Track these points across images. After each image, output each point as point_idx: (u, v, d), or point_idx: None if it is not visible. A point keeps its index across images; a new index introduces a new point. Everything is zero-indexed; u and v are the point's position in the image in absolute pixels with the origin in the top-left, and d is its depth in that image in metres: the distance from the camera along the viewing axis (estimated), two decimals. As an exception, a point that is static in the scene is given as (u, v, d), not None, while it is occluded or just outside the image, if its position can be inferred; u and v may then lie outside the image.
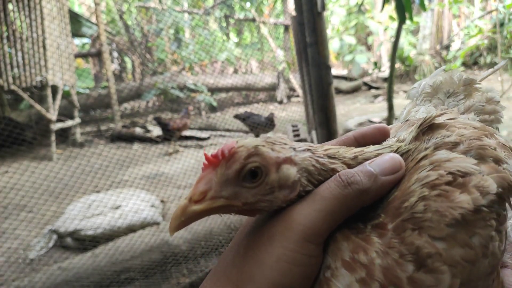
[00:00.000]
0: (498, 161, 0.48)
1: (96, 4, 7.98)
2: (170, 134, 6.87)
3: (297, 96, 10.37)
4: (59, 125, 6.73)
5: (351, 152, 0.53)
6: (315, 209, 0.47)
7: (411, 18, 3.50)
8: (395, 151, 0.53)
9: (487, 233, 0.43)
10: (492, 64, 12.87)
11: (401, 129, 0.61)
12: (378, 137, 0.59)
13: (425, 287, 0.42)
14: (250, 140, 0.50)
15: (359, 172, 0.50)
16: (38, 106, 6.27)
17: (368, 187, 0.48)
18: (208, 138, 7.71)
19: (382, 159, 0.51)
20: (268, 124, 6.71)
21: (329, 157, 0.52)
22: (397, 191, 0.48)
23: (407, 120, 0.63)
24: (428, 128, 0.53)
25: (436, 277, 0.42)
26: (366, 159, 0.52)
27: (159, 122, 7.00)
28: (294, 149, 0.51)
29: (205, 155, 0.49)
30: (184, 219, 0.48)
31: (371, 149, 0.54)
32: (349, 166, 0.51)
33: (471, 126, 0.53)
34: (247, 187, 0.48)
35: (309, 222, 0.46)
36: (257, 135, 6.22)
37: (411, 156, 0.51)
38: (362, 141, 0.59)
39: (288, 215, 0.48)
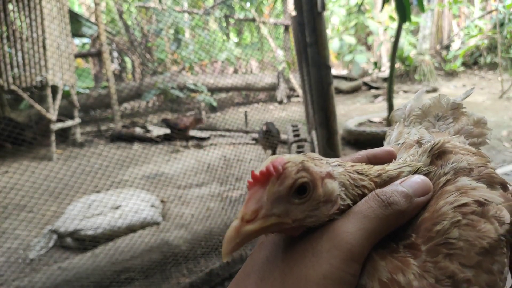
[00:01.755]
0: (505, 187, 0.52)
1: (96, 4, 7.98)
2: (180, 134, 6.91)
3: (297, 96, 10.37)
4: (59, 125, 6.73)
5: (374, 169, 0.54)
6: (360, 228, 0.48)
7: (409, 19, 3.51)
8: (416, 172, 0.55)
9: (502, 259, 0.46)
10: (492, 64, 12.87)
11: (400, 152, 0.64)
12: (387, 159, 0.61)
13: None
14: (294, 156, 0.49)
15: (395, 192, 0.51)
16: (38, 106, 6.27)
17: (406, 208, 0.50)
18: (208, 138, 7.71)
19: (413, 180, 0.52)
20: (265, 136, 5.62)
21: (358, 173, 0.53)
22: (426, 213, 0.50)
23: (403, 143, 0.66)
24: (438, 153, 0.56)
25: None
26: (389, 177, 0.53)
27: (168, 124, 7.04)
28: (330, 164, 0.52)
29: (253, 173, 0.48)
30: (239, 240, 0.46)
31: (391, 167, 0.55)
32: (376, 184, 0.52)
33: (471, 152, 0.57)
34: (296, 203, 0.48)
35: (355, 241, 0.47)
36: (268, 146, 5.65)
37: (431, 180, 0.53)
38: (374, 161, 0.61)
39: (334, 232, 0.48)
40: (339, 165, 0.52)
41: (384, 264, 0.46)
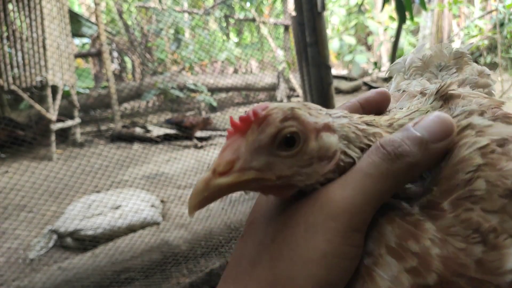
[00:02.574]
0: None
1: (96, 4, 7.98)
2: (187, 132, 6.92)
3: (297, 96, 10.37)
4: (59, 125, 6.73)
5: (383, 119, 0.46)
6: (360, 191, 0.39)
7: (411, 18, 3.51)
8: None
9: None
10: (492, 64, 12.86)
11: (403, 99, 0.55)
12: (380, 101, 0.52)
13: (493, 268, 0.37)
14: (284, 103, 0.42)
15: (406, 139, 0.40)
16: (38, 106, 6.27)
17: (419, 159, 0.40)
18: (209, 138, 7.71)
19: (430, 120, 0.41)
20: None
21: (367, 124, 0.45)
22: (444, 161, 0.41)
23: (403, 91, 0.59)
24: (445, 97, 0.48)
25: (500, 253, 0.37)
26: (401, 126, 0.44)
27: (173, 123, 7.05)
28: (330, 115, 0.44)
29: (231, 119, 0.41)
30: (208, 194, 0.39)
31: (401, 114, 0.47)
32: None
33: (483, 97, 0.49)
34: (282, 156, 0.40)
35: (355, 208, 0.39)
36: None
37: None
38: (367, 106, 0.52)
39: (328, 199, 0.40)
40: (344, 116, 0.44)
41: (391, 229, 0.39)
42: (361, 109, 0.52)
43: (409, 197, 0.41)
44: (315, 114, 0.43)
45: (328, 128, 0.42)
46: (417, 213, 0.40)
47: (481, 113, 0.44)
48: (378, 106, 0.53)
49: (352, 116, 0.45)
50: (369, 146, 0.42)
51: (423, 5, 4.15)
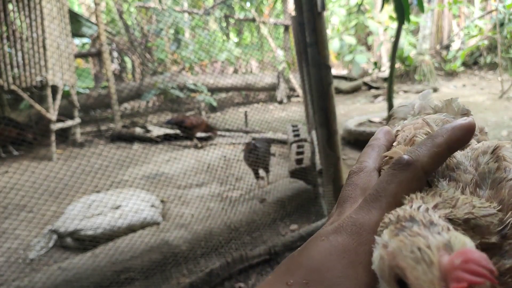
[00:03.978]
0: None
1: (96, 4, 7.98)
2: (187, 132, 6.92)
3: (297, 96, 10.37)
4: (59, 125, 6.73)
5: (460, 211, 0.39)
6: None
7: (408, 19, 3.51)
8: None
9: None
10: (492, 64, 12.87)
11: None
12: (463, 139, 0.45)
13: None
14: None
15: None
16: (38, 106, 6.27)
17: None
18: (209, 138, 7.71)
19: None
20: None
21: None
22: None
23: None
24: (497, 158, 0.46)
25: None
26: (478, 226, 0.38)
27: (173, 123, 7.04)
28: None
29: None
30: None
31: (477, 202, 0.41)
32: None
33: None
34: None
35: None
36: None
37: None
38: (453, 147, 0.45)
39: None
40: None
41: None
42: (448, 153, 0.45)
43: None
44: None
45: None
46: None
47: None
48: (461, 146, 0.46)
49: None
50: None
51: (421, 6, 4.14)
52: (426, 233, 0.33)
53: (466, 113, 0.67)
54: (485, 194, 0.42)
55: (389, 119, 0.72)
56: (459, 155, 0.48)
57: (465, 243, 0.32)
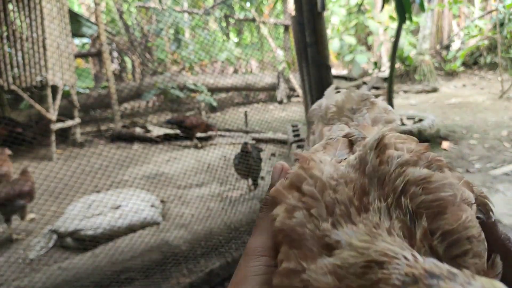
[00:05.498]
0: (451, 168, 0.45)
1: (96, 4, 7.98)
2: (187, 132, 6.92)
3: (297, 96, 10.37)
4: (59, 125, 6.73)
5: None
6: None
7: (410, 19, 3.51)
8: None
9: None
10: (492, 64, 12.87)
11: (340, 148, 0.54)
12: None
13: None
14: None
15: None
16: (38, 106, 6.27)
17: None
18: (209, 138, 7.71)
19: None
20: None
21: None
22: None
23: (335, 139, 0.57)
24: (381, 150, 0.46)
25: None
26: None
27: (173, 123, 7.04)
28: None
29: None
30: None
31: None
32: None
33: (404, 138, 0.49)
34: None
35: None
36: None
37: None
38: None
39: None
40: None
41: None
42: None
43: None
44: None
45: None
46: None
47: (415, 162, 0.44)
48: None
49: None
50: None
51: (422, 6, 4.15)
52: (458, 286, 0.31)
53: (366, 98, 0.71)
54: (374, 196, 0.41)
55: (308, 125, 0.75)
56: (346, 162, 0.47)
57: (497, 285, 0.32)
